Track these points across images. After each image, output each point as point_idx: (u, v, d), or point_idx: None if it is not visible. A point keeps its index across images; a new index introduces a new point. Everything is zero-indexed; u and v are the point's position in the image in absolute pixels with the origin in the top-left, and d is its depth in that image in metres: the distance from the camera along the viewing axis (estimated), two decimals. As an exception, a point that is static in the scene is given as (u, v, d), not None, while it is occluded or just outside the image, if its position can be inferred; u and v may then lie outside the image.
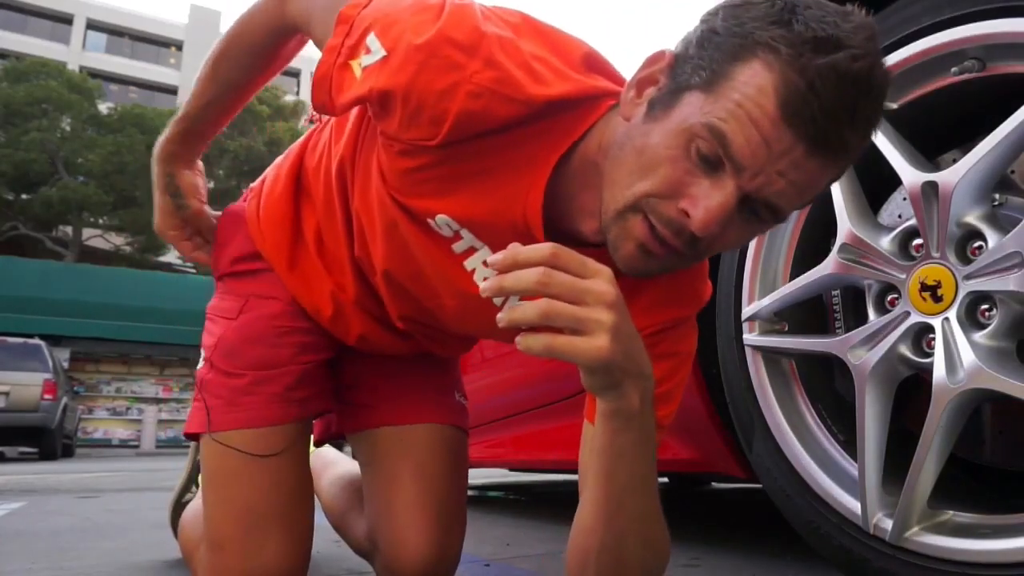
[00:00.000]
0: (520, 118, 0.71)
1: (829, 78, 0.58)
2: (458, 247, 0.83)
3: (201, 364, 1.01)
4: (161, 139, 1.05)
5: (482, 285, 0.58)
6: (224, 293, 1.06)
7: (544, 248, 0.58)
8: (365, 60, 0.72)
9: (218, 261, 1.09)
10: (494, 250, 0.75)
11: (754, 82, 0.60)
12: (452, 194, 0.78)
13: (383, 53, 0.71)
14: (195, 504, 1.24)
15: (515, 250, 0.58)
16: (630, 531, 0.70)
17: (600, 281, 0.58)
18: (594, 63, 0.76)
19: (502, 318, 0.57)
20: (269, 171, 1.09)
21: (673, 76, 0.66)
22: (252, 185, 1.13)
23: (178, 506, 1.45)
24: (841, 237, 0.90)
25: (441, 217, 0.80)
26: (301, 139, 1.08)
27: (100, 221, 21.56)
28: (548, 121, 0.72)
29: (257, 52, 0.99)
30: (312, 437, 1.14)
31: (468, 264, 0.84)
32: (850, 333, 0.90)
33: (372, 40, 0.72)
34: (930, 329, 0.82)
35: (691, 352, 0.85)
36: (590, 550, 0.71)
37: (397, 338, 1.02)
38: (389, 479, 1.05)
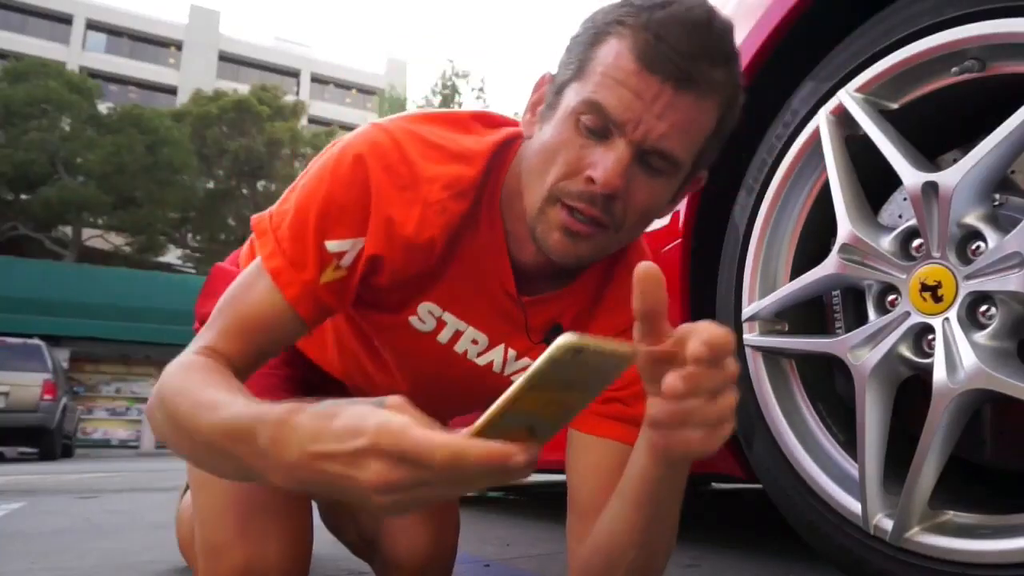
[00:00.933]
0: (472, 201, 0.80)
1: (672, 25, 0.68)
2: (443, 336, 0.87)
3: None
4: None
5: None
6: None
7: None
8: (345, 261, 0.77)
9: (202, 308, 1.13)
10: (479, 327, 0.86)
11: (612, 52, 0.70)
12: (434, 284, 0.83)
13: (359, 241, 0.77)
14: (188, 500, 1.24)
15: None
16: (661, 547, 0.74)
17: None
18: (486, 119, 0.86)
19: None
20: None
21: (554, 86, 0.76)
22: (242, 249, 1.16)
23: None
24: (841, 237, 0.90)
25: (424, 306, 0.85)
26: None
27: (99, 221, 21.56)
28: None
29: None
30: None
31: (459, 348, 0.89)
32: (850, 333, 0.89)
33: (334, 245, 0.76)
34: (930, 329, 0.82)
35: None
36: (619, 565, 0.74)
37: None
38: None
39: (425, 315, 0.86)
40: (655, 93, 0.69)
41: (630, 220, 0.75)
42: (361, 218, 0.76)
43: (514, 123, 0.86)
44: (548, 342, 0.87)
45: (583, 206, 0.72)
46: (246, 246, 1.18)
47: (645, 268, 0.52)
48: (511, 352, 0.89)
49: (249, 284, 0.78)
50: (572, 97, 0.72)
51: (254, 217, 0.82)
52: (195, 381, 0.68)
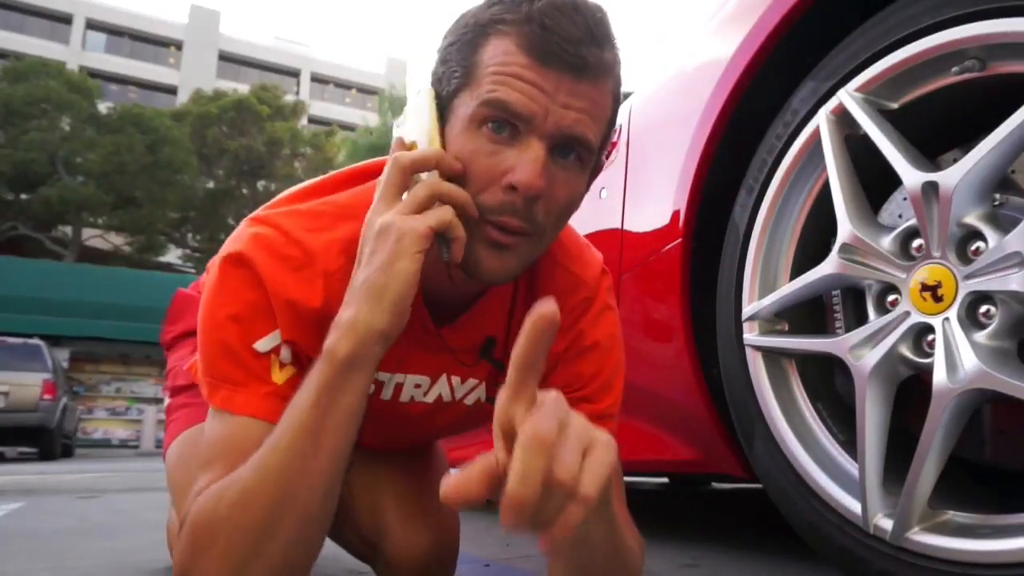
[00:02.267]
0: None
1: (553, 13, 0.67)
2: (385, 394, 0.87)
3: (168, 399, 1.08)
4: None
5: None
6: (180, 360, 1.19)
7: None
8: (284, 356, 0.76)
9: (167, 334, 1.25)
10: (415, 372, 0.85)
11: (499, 51, 0.68)
12: None
13: (277, 333, 0.75)
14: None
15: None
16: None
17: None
18: (356, 173, 0.85)
19: None
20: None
21: (439, 100, 0.74)
22: (202, 277, 1.19)
23: None
24: (841, 237, 0.90)
25: None
26: None
27: (99, 221, 21.56)
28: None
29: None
30: None
31: (404, 398, 0.89)
32: (850, 333, 0.89)
33: (262, 344, 0.75)
34: (930, 329, 0.82)
35: (616, 337, 0.88)
36: None
37: None
38: (372, 478, 1.05)
39: None
40: (555, 84, 0.67)
41: (552, 220, 0.74)
42: (267, 311, 0.74)
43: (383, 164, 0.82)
44: (486, 357, 0.88)
45: (505, 218, 0.70)
46: (206, 275, 1.21)
47: (539, 313, 0.46)
48: (455, 379, 0.89)
49: (213, 431, 0.75)
50: (467, 105, 0.70)
51: (190, 368, 0.81)
52: (219, 484, 0.69)
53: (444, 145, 0.72)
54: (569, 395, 0.82)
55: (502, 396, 0.48)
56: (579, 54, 0.67)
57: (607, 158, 0.79)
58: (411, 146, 0.73)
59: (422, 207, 0.68)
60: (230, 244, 0.77)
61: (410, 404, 0.90)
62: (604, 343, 0.87)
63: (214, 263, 0.79)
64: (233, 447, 0.71)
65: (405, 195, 0.70)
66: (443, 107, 0.73)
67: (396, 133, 0.77)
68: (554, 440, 0.45)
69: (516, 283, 0.86)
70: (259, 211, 0.80)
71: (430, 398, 0.90)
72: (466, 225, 0.70)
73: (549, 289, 0.85)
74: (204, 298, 0.77)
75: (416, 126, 0.74)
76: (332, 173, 0.87)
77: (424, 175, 0.71)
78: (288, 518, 0.67)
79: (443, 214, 0.68)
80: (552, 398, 0.48)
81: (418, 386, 0.88)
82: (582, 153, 0.72)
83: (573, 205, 0.76)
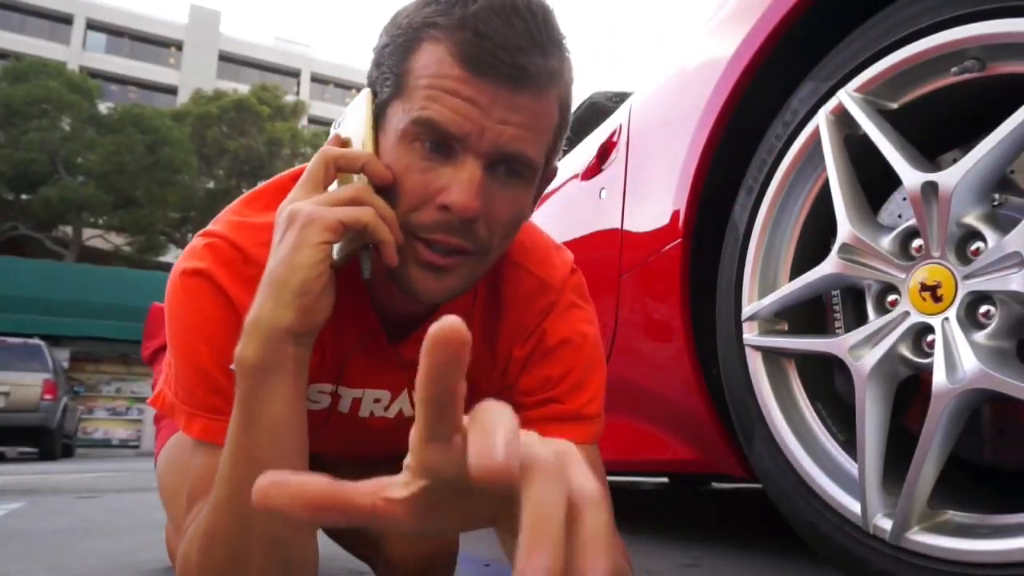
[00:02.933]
0: None
1: (490, 18, 0.61)
2: (343, 406, 0.84)
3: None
4: None
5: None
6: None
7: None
8: None
9: (145, 349, 1.25)
10: (375, 387, 0.82)
11: (432, 60, 0.63)
12: (316, 365, 0.74)
13: None
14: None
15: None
16: None
17: None
18: (299, 173, 0.78)
19: None
20: None
21: (374, 107, 0.68)
22: None
23: None
24: (841, 237, 0.90)
25: (314, 387, 0.80)
26: None
27: (100, 221, 21.58)
28: None
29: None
30: None
31: (363, 413, 0.86)
32: (850, 333, 0.89)
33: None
34: (930, 329, 0.82)
35: (585, 333, 0.83)
36: None
37: None
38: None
39: (316, 395, 0.81)
40: (491, 98, 0.62)
41: (497, 237, 0.69)
42: (237, 328, 0.65)
43: None
44: None
45: (441, 236, 0.65)
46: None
47: (437, 329, 0.33)
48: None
49: (196, 463, 0.71)
50: (400, 118, 0.64)
51: (152, 405, 0.77)
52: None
53: (378, 152, 0.67)
54: (537, 399, 0.80)
55: (414, 437, 0.36)
56: (518, 63, 0.61)
57: (607, 161, 0.78)
58: (346, 143, 0.70)
59: (341, 204, 0.63)
60: (183, 263, 0.72)
61: (371, 419, 0.87)
62: (574, 339, 0.82)
63: (171, 281, 0.73)
64: (213, 481, 0.66)
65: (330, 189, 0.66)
66: (378, 114, 0.68)
67: (333, 132, 0.73)
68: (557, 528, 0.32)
69: (475, 291, 0.82)
70: (210, 224, 0.76)
71: (391, 413, 0.87)
72: (400, 249, 0.66)
73: (513, 294, 0.82)
74: (171, 321, 0.72)
75: (352, 128, 0.70)
76: (276, 177, 0.82)
77: (355, 178, 0.67)
78: (255, 545, 0.62)
79: (360, 213, 0.62)
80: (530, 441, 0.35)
81: (378, 401, 0.85)
82: (521, 170, 0.67)
83: (520, 218, 0.71)
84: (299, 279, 0.61)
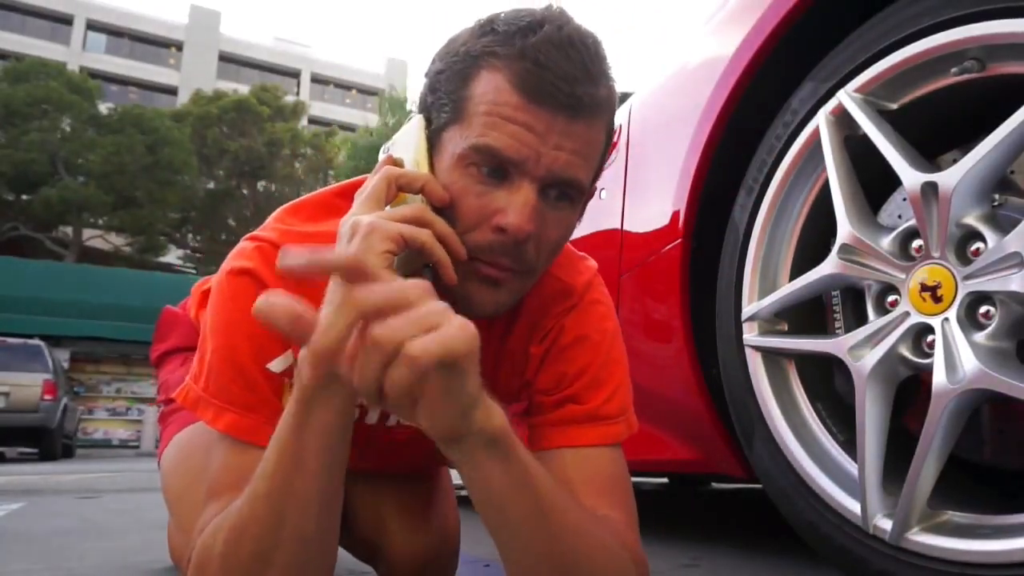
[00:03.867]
0: None
1: (549, 50, 0.64)
2: (370, 418, 0.85)
3: (161, 408, 1.12)
4: None
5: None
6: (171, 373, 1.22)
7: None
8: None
9: (155, 351, 1.28)
10: None
11: (490, 88, 0.66)
12: None
13: (290, 354, 0.72)
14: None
15: None
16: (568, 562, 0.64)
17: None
18: (349, 191, 0.79)
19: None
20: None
21: (429, 131, 0.71)
22: (187, 300, 1.24)
23: None
24: (841, 238, 0.90)
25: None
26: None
27: (100, 221, 21.58)
28: None
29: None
30: None
31: (391, 422, 0.87)
32: (850, 333, 0.89)
33: (276, 364, 0.72)
34: (930, 329, 0.82)
35: (604, 331, 0.84)
36: None
37: None
38: (373, 479, 1.05)
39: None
40: (547, 125, 0.65)
41: (543, 258, 0.72)
42: None
43: None
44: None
45: (496, 258, 0.68)
46: (193, 297, 1.24)
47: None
48: None
49: (219, 458, 0.71)
50: (457, 143, 0.67)
51: (177, 396, 0.76)
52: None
53: (434, 175, 0.70)
54: (555, 398, 0.80)
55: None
56: (574, 93, 0.65)
57: (607, 161, 0.78)
58: (398, 164, 0.72)
59: (402, 221, 0.65)
60: (232, 261, 0.75)
61: (397, 428, 0.88)
62: (591, 336, 0.83)
63: (218, 280, 0.76)
64: (240, 477, 0.67)
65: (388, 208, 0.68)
66: (432, 137, 0.71)
67: (383, 154, 0.74)
68: (372, 305, 0.47)
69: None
70: (257, 231, 0.78)
71: None
72: (455, 263, 0.68)
73: (537, 296, 0.83)
74: (213, 317, 0.74)
75: (405, 151, 0.72)
76: (319, 191, 0.84)
77: (409, 199, 0.69)
78: (284, 543, 0.63)
79: (417, 232, 0.64)
80: (412, 284, 0.49)
81: None
82: (572, 193, 0.70)
83: (565, 239, 0.74)
84: None
